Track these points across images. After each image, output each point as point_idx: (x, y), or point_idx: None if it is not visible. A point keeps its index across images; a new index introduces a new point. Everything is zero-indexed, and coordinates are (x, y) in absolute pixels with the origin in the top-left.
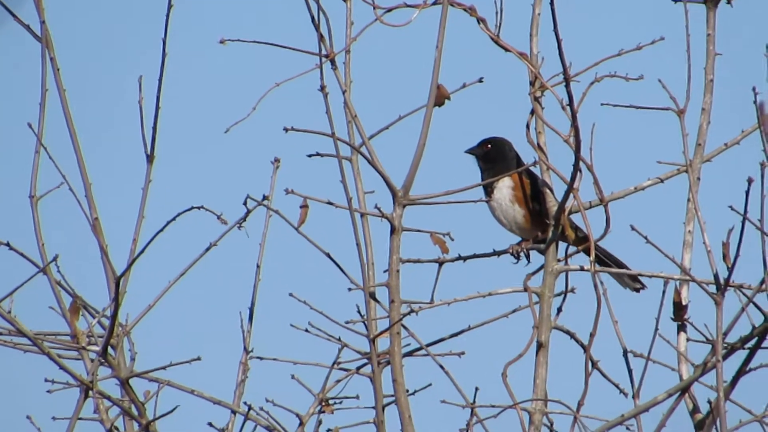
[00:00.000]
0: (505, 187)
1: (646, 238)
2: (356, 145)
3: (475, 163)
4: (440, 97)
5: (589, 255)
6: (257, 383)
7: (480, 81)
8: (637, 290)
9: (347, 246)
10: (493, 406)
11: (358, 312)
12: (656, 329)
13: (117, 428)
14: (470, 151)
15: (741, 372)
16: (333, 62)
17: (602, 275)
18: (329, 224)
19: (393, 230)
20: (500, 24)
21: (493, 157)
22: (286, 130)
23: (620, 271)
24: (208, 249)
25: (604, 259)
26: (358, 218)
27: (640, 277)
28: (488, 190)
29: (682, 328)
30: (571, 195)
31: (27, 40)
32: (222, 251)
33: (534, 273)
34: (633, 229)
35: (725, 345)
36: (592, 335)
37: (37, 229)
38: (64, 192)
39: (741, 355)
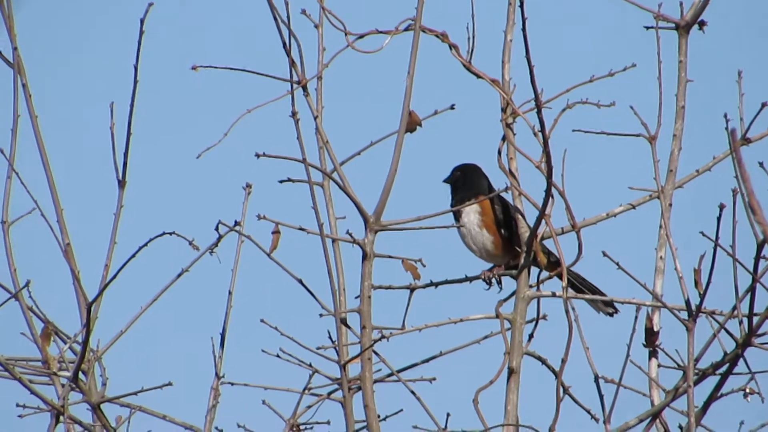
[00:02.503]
0: (472, 212)
1: (617, 264)
2: (328, 171)
3: (450, 191)
4: (412, 124)
5: (561, 279)
6: (228, 408)
7: (452, 108)
8: (611, 314)
9: (319, 272)
10: None
11: (330, 338)
12: (627, 355)
13: None
14: (446, 181)
15: (712, 398)
16: (305, 88)
17: (575, 300)
18: (301, 250)
19: (364, 256)
20: (472, 50)
21: (463, 183)
22: (257, 156)
23: (592, 297)
24: (179, 275)
25: (578, 284)
26: (330, 244)
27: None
28: (457, 215)
29: (653, 354)
30: (543, 221)
31: None
32: (194, 277)
33: (506, 299)
34: (605, 255)
35: (697, 371)
36: (563, 361)
37: (9, 254)
38: (36, 217)
39: (712, 380)
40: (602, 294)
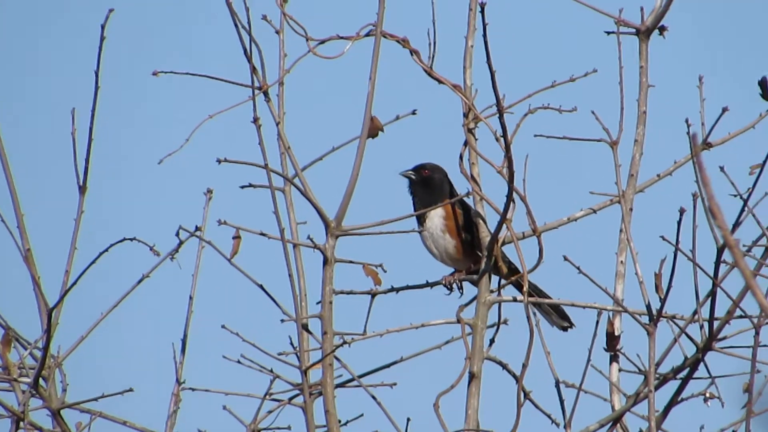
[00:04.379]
0: (437, 216)
1: (578, 268)
2: (289, 176)
3: (408, 189)
4: (373, 129)
5: (520, 288)
6: (189, 414)
7: (413, 113)
8: (565, 329)
9: (280, 277)
10: None
11: (291, 343)
12: (588, 360)
13: None
14: (406, 174)
15: (673, 402)
16: (266, 94)
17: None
18: (262, 255)
19: (326, 261)
20: (433, 56)
21: (428, 184)
22: (219, 161)
23: (553, 301)
24: (140, 280)
25: (536, 295)
26: (291, 249)
27: (573, 308)
28: (420, 219)
29: (614, 358)
30: (504, 226)
31: None
32: (154, 282)
33: (467, 304)
34: (566, 259)
35: (657, 375)
36: (524, 366)
37: None
38: None
39: (673, 385)
40: (559, 308)
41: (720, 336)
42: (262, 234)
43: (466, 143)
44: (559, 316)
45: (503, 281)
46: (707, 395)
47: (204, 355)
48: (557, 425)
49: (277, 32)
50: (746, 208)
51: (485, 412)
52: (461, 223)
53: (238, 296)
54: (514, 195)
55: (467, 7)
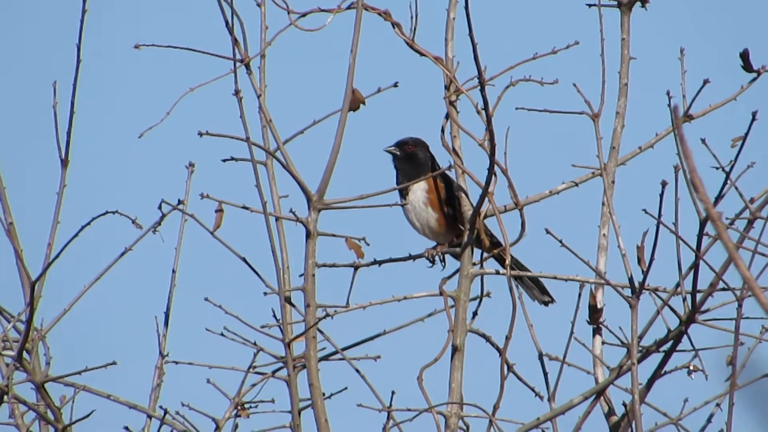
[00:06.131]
0: (419, 189)
1: (560, 241)
2: (271, 149)
3: (392, 163)
4: (355, 102)
5: (502, 261)
6: (173, 387)
7: (395, 85)
8: (546, 304)
9: (262, 250)
10: (409, 410)
11: (274, 316)
12: (572, 332)
13: None
14: (389, 151)
15: (656, 375)
16: (248, 67)
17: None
18: (244, 229)
19: (308, 234)
20: (415, 28)
21: (412, 159)
22: (200, 134)
23: (536, 274)
24: (123, 254)
25: (518, 270)
26: (273, 222)
27: (555, 281)
28: (403, 192)
29: (597, 331)
30: (486, 199)
31: None
32: (137, 256)
33: (449, 277)
34: (548, 232)
35: (640, 348)
36: (507, 339)
37: None
38: None
39: (656, 358)
40: (540, 283)
41: (703, 308)
42: (245, 207)
43: (447, 116)
44: (540, 291)
45: (485, 254)
46: (691, 368)
47: (187, 328)
48: (541, 398)
49: (259, 5)
50: (728, 181)
51: (469, 385)
52: (443, 197)
53: (221, 269)
54: (496, 168)
55: None
